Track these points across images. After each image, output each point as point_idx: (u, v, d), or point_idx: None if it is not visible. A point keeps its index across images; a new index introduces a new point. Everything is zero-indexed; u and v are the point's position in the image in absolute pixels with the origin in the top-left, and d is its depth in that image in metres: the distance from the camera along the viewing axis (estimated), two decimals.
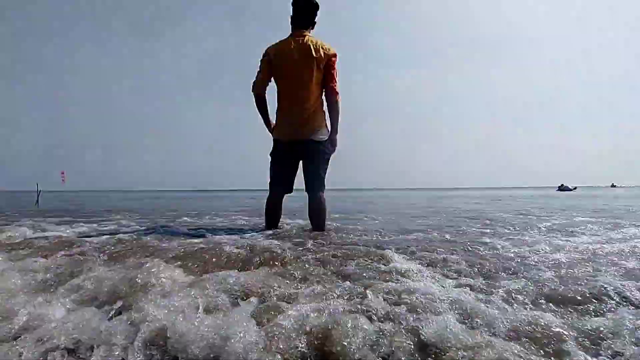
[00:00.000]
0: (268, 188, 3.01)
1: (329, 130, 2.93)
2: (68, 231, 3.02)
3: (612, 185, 74.05)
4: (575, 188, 36.26)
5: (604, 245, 2.34)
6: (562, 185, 36.50)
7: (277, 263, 1.74)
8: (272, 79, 2.88)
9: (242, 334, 0.92)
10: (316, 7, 2.87)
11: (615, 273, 1.62)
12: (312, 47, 2.76)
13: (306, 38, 2.81)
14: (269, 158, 3.01)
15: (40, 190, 9.06)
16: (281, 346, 0.91)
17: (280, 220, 3.11)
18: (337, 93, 2.85)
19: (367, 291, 1.26)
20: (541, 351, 0.91)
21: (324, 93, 2.88)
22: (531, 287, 1.39)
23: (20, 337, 0.97)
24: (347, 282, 1.41)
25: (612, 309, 1.18)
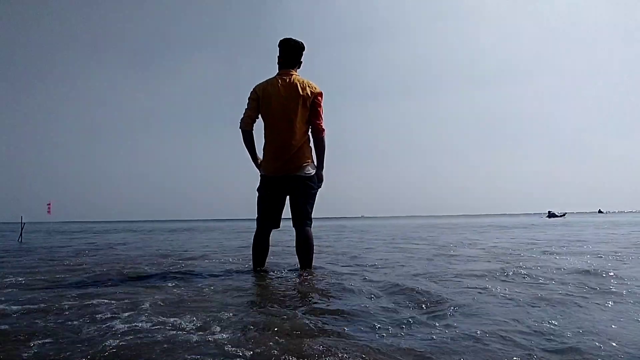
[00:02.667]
0: (256, 223, 3.02)
1: (316, 165, 2.99)
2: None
3: (599, 211, 74.20)
4: (564, 215, 36.59)
5: None
6: (550, 212, 36.79)
7: None
8: (260, 116, 2.95)
9: None
10: (302, 48, 2.99)
11: None
12: (298, 86, 2.86)
13: (293, 77, 2.91)
14: (256, 193, 3.04)
15: (24, 224, 8.86)
16: None
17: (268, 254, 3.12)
18: (323, 130, 2.93)
19: None
20: None
21: (310, 130, 2.96)
22: None
23: None
24: None
25: None
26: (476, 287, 2.20)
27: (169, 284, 2.44)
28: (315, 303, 1.88)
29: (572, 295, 1.99)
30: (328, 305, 1.82)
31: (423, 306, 1.78)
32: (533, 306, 1.76)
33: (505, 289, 2.13)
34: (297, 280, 2.57)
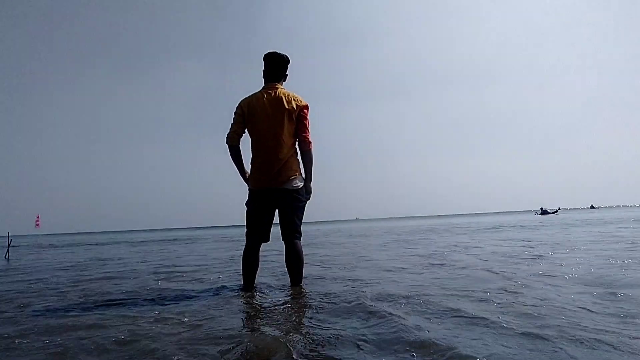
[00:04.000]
0: (245, 237, 2.98)
1: (304, 178, 2.96)
2: None
3: (592, 207, 74.84)
4: (556, 211, 36.94)
5: None
6: (543, 209, 37.11)
7: None
8: (246, 130, 2.92)
9: None
10: (286, 61, 2.98)
11: None
12: (284, 99, 2.84)
13: (278, 90, 2.89)
14: (245, 207, 3.00)
15: (11, 240, 8.70)
16: None
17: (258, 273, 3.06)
18: (310, 143, 2.91)
19: None
20: None
21: (297, 143, 2.93)
22: None
23: None
24: None
25: None
26: (485, 323, 1.79)
27: (131, 314, 2.25)
28: None
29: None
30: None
31: None
32: None
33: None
34: (282, 318, 2.11)
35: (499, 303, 2.18)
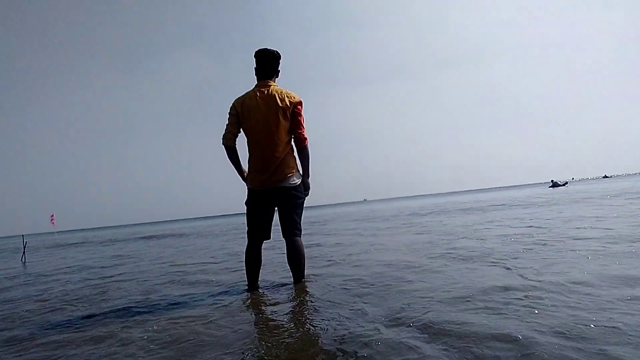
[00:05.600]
0: (246, 236, 3.01)
1: (301, 174, 2.97)
2: None
3: (605, 177, 72.86)
4: (566, 183, 36.62)
5: None
6: (553, 181, 36.84)
7: None
8: (241, 130, 2.92)
9: None
10: (278, 57, 2.95)
11: None
12: (277, 97, 2.82)
13: (271, 88, 2.87)
14: (245, 207, 3.02)
15: (26, 242, 8.91)
16: None
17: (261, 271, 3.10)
18: (305, 139, 2.91)
19: None
20: None
21: (292, 139, 2.93)
22: None
23: None
24: None
25: None
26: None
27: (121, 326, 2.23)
28: None
29: None
30: None
31: None
32: None
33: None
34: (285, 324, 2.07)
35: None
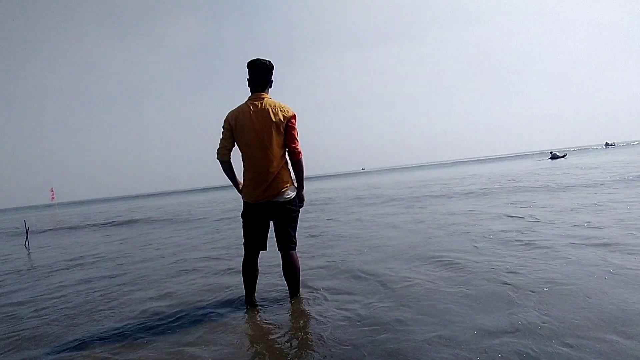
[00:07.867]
0: (243, 248, 3.07)
1: (296, 187, 2.99)
2: None
3: (606, 145, 69.95)
4: (565, 155, 36.48)
5: None
6: (552, 152, 36.68)
7: None
8: (236, 144, 2.91)
9: None
10: (271, 68, 2.91)
11: None
12: (270, 112, 2.80)
13: (264, 102, 2.84)
14: (241, 219, 3.06)
15: (28, 227, 9.04)
16: None
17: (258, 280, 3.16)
18: (300, 153, 2.91)
19: None
20: None
21: (286, 153, 2.92)
22: None
23: None
24: None
25: None
26: None
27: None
28: None
29: None
30: None
31: None
32: None
33: None
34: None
35: None
